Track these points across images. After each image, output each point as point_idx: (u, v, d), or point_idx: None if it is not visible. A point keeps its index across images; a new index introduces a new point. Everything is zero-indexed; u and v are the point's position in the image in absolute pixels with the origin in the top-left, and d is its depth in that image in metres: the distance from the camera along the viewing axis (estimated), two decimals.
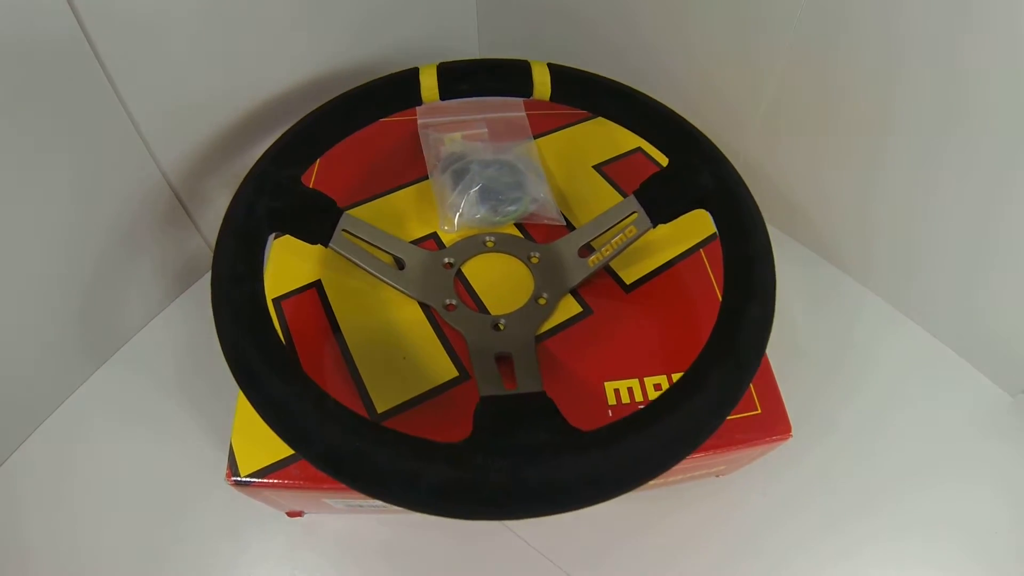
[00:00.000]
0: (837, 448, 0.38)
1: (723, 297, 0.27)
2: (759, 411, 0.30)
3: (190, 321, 0.44)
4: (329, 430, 0.22)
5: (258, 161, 0.32)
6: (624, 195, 0.38)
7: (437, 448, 0.22)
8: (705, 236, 0.36)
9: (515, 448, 0.22)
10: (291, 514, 0.35)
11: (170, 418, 0.39)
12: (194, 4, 0.35)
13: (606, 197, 0.38)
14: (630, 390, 0.31)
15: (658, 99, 0.45)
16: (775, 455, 0.32)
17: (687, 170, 0.32)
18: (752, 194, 0.30)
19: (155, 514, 0.36)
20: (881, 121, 0.38)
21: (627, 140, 0.40)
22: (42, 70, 0.30)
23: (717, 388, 0.23)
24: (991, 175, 0.35)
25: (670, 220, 0.32)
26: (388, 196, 0.38)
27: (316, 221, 0.32)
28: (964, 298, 0.41)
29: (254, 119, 0.42)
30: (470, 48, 0.53)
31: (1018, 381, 0.40)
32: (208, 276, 0.45)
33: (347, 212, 0.33)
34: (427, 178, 0.39)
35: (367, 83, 0.35)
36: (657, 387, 0.31)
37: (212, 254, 0.45)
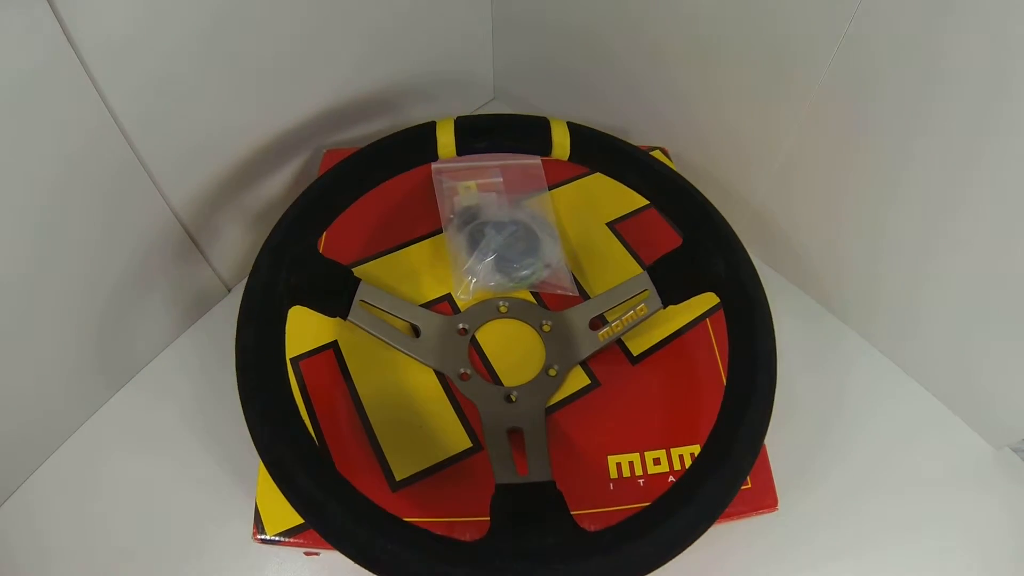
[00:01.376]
0: (825, 500, 0.40)
1: (724, 399, 0.28)
2: (749, 486, 0.33)
3: (201, 351, 0.44)
4: (362, 531, 0.24)
5: (274, 230, 0.32)
6: (637, 257, 0.39)
7: (461, 549, 0.24)
8: (711, 306, 0.37)
9: (529, 553, 0.24)
10: (308, 553, 0.37)
11: (183, 446, 0.41)
12: (199, 40, 0.34)
13: (619, 260, 0.39)
14: (631, 464, 0.33)
15: (674, 139, 0.45)
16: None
17: (701, 254, 0.32)
18: (763, 288, 0.31)
19: (167, 545, 0.38)
20: (892, 183, 0.38)
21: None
22: (48, 110, 0.30)
23: (711, 498, 0.26)
24: (993, 241, 0.36)
25: (680, 302, 0.33)
26: (401, 251, 0.38)
27: (335, 295, 0.32)
28: (960, 356, 0.42)
29: (262, 153, 0.41)
30: (485, 75, 0.51)
31: (1002, 435, 0.42)
32: (219, 308, 0.46)
33: (363, 282, 0.33)
34: (440, 231, 0.39)
35: (381, 140, 0.35)
36: (656, 462, 0.33)
37: (223, 286, 0.46)
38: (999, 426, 0.42)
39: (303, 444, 0.26)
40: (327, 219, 0.33)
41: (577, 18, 0.45)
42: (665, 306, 0.33)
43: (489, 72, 0.51)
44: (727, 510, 0.31)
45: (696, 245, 0.33)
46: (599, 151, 0.35)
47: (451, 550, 0.24)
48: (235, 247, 0.45)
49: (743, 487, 0.32)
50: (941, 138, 0.34)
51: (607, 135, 0.36)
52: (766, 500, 0.33)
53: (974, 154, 0.34)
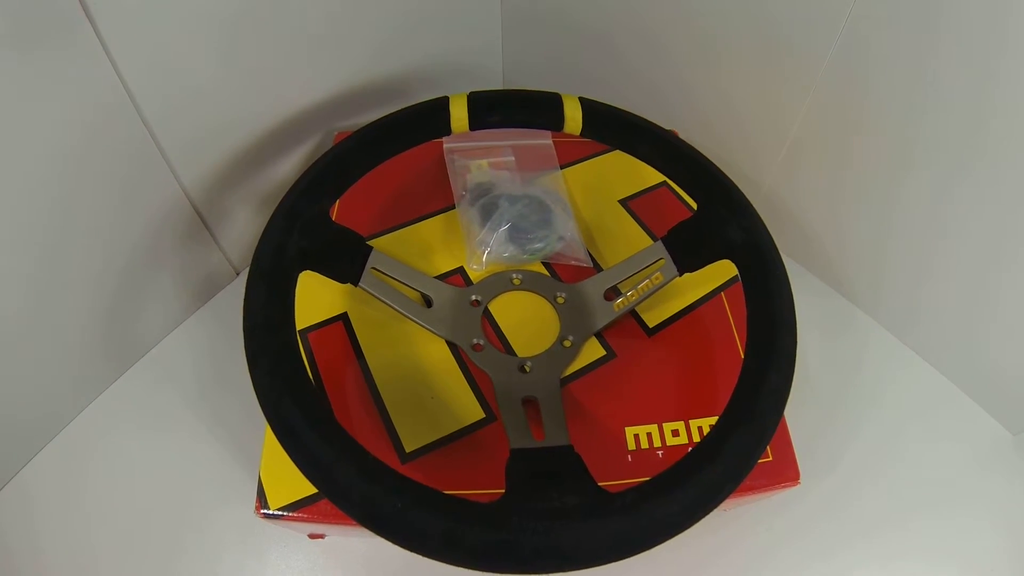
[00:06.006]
0: (840, 481, 0.39)
1: (745, 360, 0.27)
2: (770, 459, 0.32)
3: (210, 333, 0.44)
4: (373, 491, 0.23)
5: (286, 195, 0.31)
6: (650, 233, 0.39)
7: (476, 509, 0.23)
8: (727, 279, 0.37)
9: (548, 512, 0.23)
10: (313, 536, 0.36)
11: (189, 427, 0.40)
12: (215, 24, 0.34)
13: (632, 235, 0.39)
14: (649, 435, 0.32)
15: (682, 126, 0.46)
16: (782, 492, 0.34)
17: (715, 221, 0.32)
18: (779, 251, 0.31)
19: (173, 525, 0.37)
20: (899, 162, 0.38)
21: (652, 173, 0.40)
22: (66, 87, 0.30)
23: (735, 456, 0.25)
24: (1001, 221, 0.36)
25: (696, 270, 0.33)
26: (414, 225, 0.38)
27: (346, 261, 0.32)
28: (970, 337, 0.42)
29: (274, 136, 0.42)
30: (494, 63, 0.52)
31: (1020, 420, 0.42)
32: (228, 290, 0.46)
33: (375, 249, 0.33)
34: (453, 207, 0.39)
35: (395, 113, 0.35)
36: (675, 433, 0.32)
37: (232, 268, 0.46)
38: (1015, 410, 0.42)
39: (310, 402, 0.25)
40: (340, 187, 0.33)
41: (584, 11, 0.46)
42: (681, 274, 0.33)
43: (499, 63, 0.52)
44: (750, 483, 0.31)
45: (711, 212, 0.32)
46: (611, 124, 0.36)
47: (465, 510, 0.23)
48: (244, 230, 0.44)
49: (765, 460, 0.32)
50: (943, 121, 0.35)
51: (619, 109, 0.36)
52: (788, 473, 0.31)
53: (978, 136, 0.34)
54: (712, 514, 0.39)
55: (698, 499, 0.24)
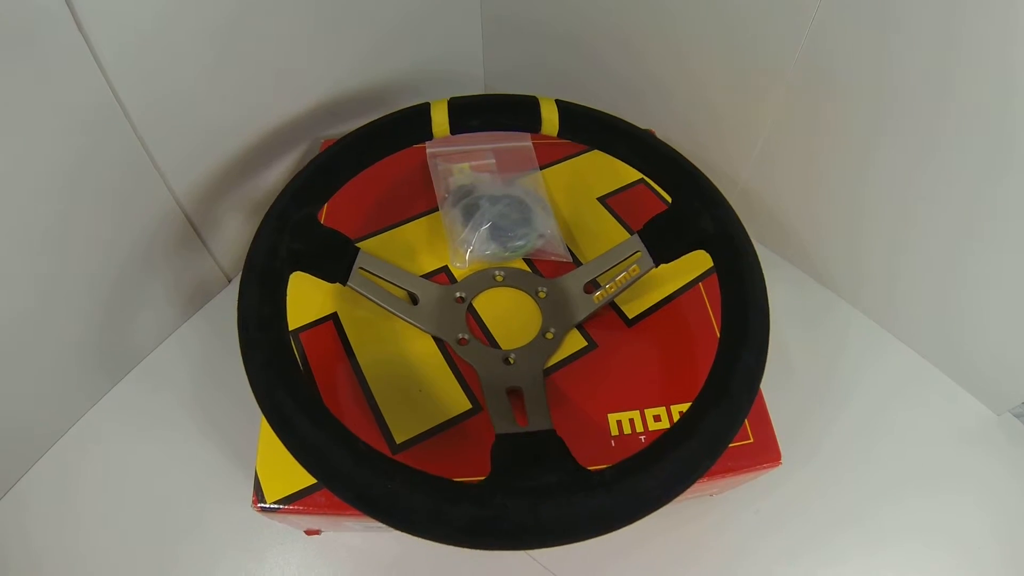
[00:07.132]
0: (825, 465, 0.40)
1: (719, 343, 0.29)
2: (751, 440, 0.33)
3: (203, 340, 0.45)
4: (363, 473, 0.24)
5: (277, 199, 0.33)
6: (628, 228, 0.40)
7: (463, 489, 0.24)
8: (704, 270, 0.38)
9: (531, 490, 0.24)
10: (309, 532, 0.37)
11: (185, 433, 0.41)
12: (205, 36, 0.36)
13: (611, 231, 0.40)
14: (631, 421, 0.33)
15: (661, 126, 0.47)
16: (765, 473, 0.35)
17: (689, 213, 0.33)
18: (751, 239, 0.32)
19: (172, 530, 0.38)
20: (865, 155, 0.40)
21: (630, 172, 0.42)
22: (61, 100, 0.31)
23: (711, 432, 0.26)
24: (966, 205, 0.37)
25: (671, 260, 0.34)
26: (399, 228, 0.39)
27: (335, 261, 0.33)
28: (950, 319, 0.43)
29: (263, 145, 0.43)
30: (475, 71, 0.53)
31: (1003, 400, 0.43)
32: (220, 297, 0.47)
33: (362, 250, 0.34)
34: (436, 209, 0.40)
35: (379, 119, 0.36)
36: (657, 418, 0.33)
37: (224, 276, 0.47)
38: (998, 391, 0.43)
39: (302, 391, 0.26)
40: (327, 192, 0.34)
41: (563, 18, 0.48)
42: (657, 265, 0.34)
43: (480, 70, 0.54)
44: (732, 464, 0.32)
45: (684, 205, 0.34)
46: (586, 125, 0.37)
47: (451, 489, 0.23)
48: (236, 238, 0.46)
49: (746, 442, 0.33)
50: (906, 115, 0.36)
51: (594, 110, 0.37)
52: (769, 454, 0.32)
53: (938, 129, 0.35)
54: (700, 498, 0.40)
55: (676, 475, 0.25)
